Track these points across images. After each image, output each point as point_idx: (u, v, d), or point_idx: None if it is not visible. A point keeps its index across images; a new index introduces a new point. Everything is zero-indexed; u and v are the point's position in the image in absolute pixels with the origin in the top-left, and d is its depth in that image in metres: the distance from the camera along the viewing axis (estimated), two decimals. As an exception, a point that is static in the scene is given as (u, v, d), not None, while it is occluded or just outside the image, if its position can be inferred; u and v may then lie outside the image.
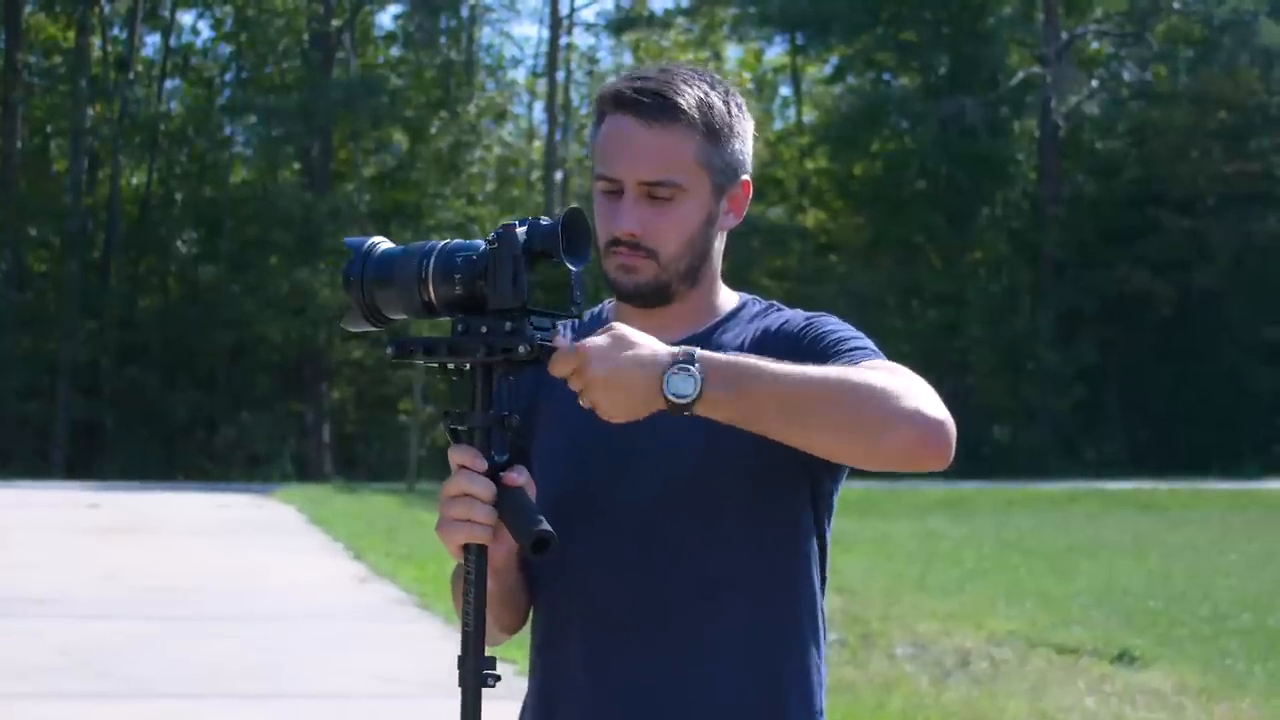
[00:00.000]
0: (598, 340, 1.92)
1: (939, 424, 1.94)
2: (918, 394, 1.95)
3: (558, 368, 1.93)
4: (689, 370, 1.89)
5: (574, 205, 2.02)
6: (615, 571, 2.11)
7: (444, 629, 9.66)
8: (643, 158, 2.09)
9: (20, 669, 8.35)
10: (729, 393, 1.90)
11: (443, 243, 2.01)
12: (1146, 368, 34.65)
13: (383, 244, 2.06)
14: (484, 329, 1.97)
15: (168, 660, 8.77)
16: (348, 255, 2.06)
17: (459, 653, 2.02)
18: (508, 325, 1.96)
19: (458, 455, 2.00)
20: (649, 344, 1.92)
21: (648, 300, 2.13)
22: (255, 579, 12.21)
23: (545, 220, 1.98)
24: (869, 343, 2.09)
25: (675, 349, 1.91)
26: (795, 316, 2.17)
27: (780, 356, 2.01)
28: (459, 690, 2.03)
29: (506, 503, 1.99)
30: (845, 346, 2.07)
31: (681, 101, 2.10)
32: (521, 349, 1.94)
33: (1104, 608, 11.53)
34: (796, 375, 1.92)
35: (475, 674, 2.01)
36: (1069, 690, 8.25)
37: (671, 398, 1.89)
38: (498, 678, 2.02)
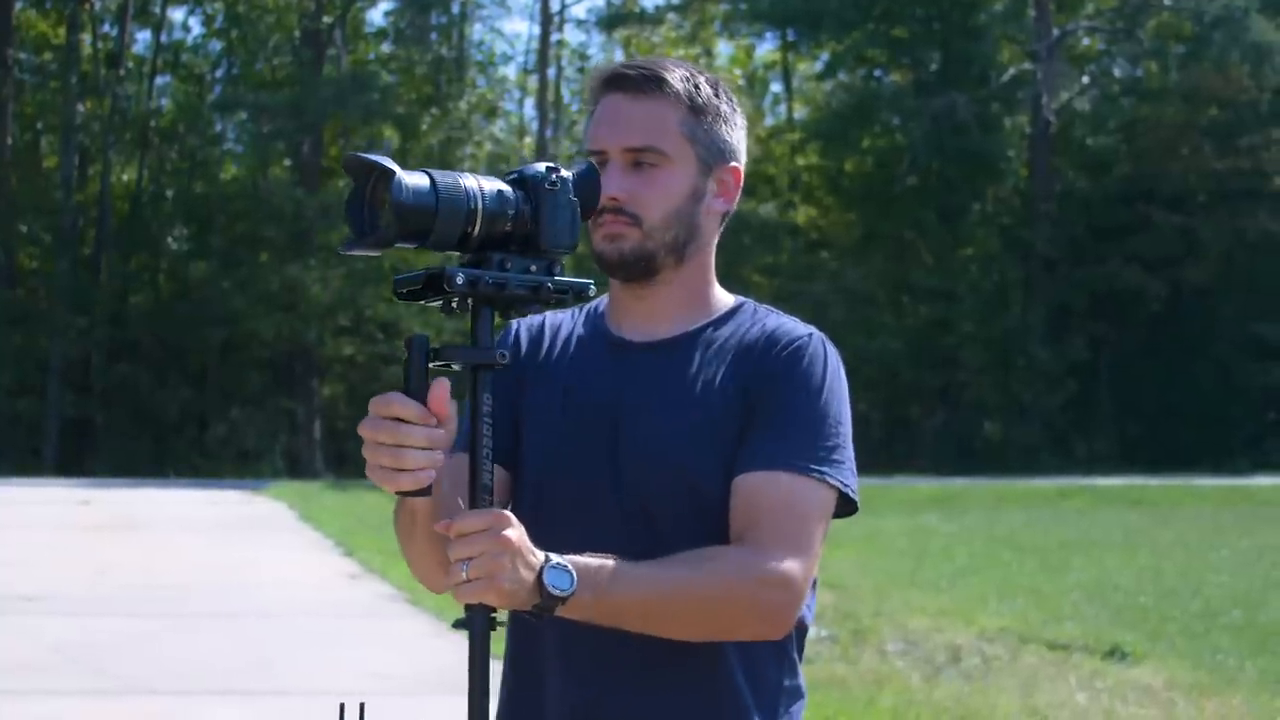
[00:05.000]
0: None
1: (775, 624, 2.03)
2: (763, 594, 1.99)
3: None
4: (567, 568, 1.88)
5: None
6: None
7: (435, 625, 9.66)
8: (627, 126, 2.12)
9: (12, 666, 8.34)
10: (593, 597, 1.90)
11: (479, 177, 1.91)
12: (1137, 364, 34.70)
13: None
14: (532, 267, 1.92)
15: (159, 657, 8.76)
16: (341, 240, 1.93)
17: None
18: (557, 268, 1.94)
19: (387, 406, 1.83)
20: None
21: (632, 272, 2.12)
22: (246, 576, 12.20)
23: (581, 165, 2.01)
24: (827, 436, 2.08)
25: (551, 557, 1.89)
26: (784, 339, 2.13)
27: (751, 372, 2.09)
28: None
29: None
30: (788, 442, 2.06)
31: (667, 76, 2.13)
32: (591, 290, 1.97)
33: (1095, 604, 11.54)
34: (654, 590, 1.94)
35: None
36: (1060, 686, 8.25)
37: (550, 588, 1.86)
38: None
